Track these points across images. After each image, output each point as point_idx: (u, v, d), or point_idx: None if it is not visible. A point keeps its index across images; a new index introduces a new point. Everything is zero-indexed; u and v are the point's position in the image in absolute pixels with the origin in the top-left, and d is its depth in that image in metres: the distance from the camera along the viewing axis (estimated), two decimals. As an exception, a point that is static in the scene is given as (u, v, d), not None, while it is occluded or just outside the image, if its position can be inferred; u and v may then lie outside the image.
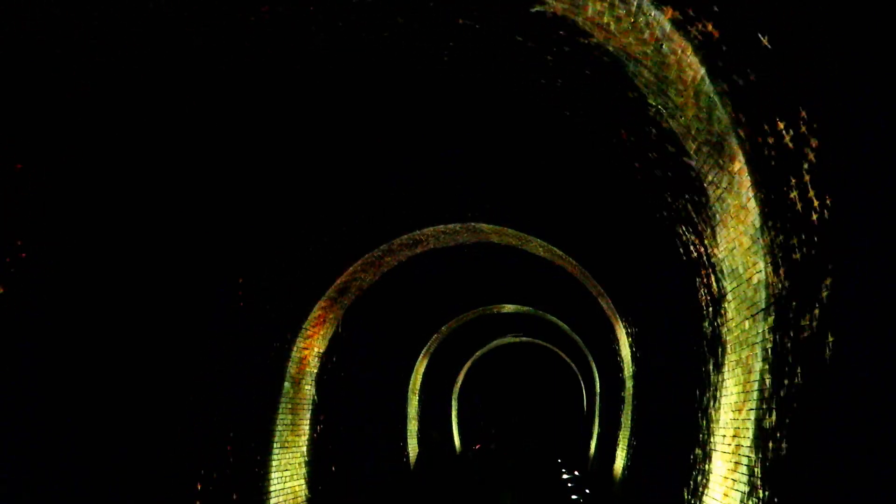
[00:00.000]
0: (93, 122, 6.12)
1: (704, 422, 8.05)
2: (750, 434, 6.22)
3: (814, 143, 4.44)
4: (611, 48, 6.04)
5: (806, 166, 4.64)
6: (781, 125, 4.79)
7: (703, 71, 5.37)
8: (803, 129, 4.52)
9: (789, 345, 5.33)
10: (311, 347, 13.06)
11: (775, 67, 4.50)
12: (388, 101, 8.34)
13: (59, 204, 6.17)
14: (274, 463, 11.52)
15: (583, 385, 34.43)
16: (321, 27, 6.68)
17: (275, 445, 11.59)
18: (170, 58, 6.28)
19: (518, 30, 6.53)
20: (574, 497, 18.93)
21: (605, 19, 5.71)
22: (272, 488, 11.36)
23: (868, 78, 3.67)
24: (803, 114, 4.45)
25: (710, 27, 4.86)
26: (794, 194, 4.94)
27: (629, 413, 16.00)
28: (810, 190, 4.66)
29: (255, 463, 10.81)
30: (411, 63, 7.48)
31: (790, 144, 4.77)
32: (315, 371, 13.44)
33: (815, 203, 4.62)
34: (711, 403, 7.78)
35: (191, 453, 8.95)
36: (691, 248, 7.98)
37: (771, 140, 5.05)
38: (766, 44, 4.43)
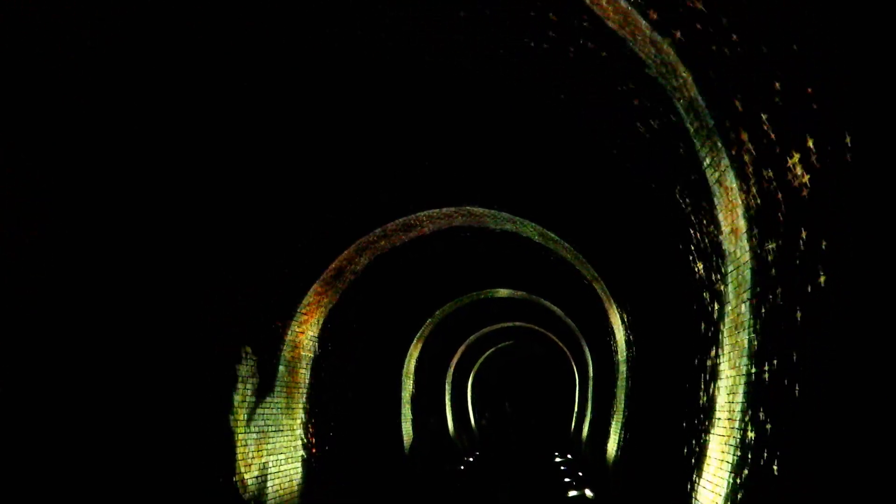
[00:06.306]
0: (92, 117, 6.05)
1: (700, 404, 8.07)
2: (746, 416, 6.24)
3: (806, 137, 4.42)
4: (610, 25, 6.00)
5: (795, 153, 4.62)
6: (766, 115, 4.77)
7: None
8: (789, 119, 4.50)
9: (778, 327, 5.33)
10: (306, 331, 13.04)
11: (755, 57, 4.47)
12: (383, 86, 8.27)
13: (58, 198, 6.10)
14: (269, 446, 11.53)
15: (576, 370, 34.56)
16: (316, 21, 6.61)
17: (270, 429, 11.60)
18: (171, 51, 6.20)
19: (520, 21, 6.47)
20: (567, 480, 19.03)
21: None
22: (268, 471, 11.38)
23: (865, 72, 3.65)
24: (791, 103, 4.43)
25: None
26: (784, 177, 4.93)
27: (622, 397, 16.06)
28: (800, 172, 4.65)
29: (250, 447, 10.81)
30: (411, 51, 7.42)
31: (774, 134, 4.75)
32: (310, 355, 13.43)
33: (802, 185, 4.61)
34: (707, 386, 7.80)
35: (186, 438, 8.94)
36: (690, 231, 7.97)
37: (761, 126, 5.03)
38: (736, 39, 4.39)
